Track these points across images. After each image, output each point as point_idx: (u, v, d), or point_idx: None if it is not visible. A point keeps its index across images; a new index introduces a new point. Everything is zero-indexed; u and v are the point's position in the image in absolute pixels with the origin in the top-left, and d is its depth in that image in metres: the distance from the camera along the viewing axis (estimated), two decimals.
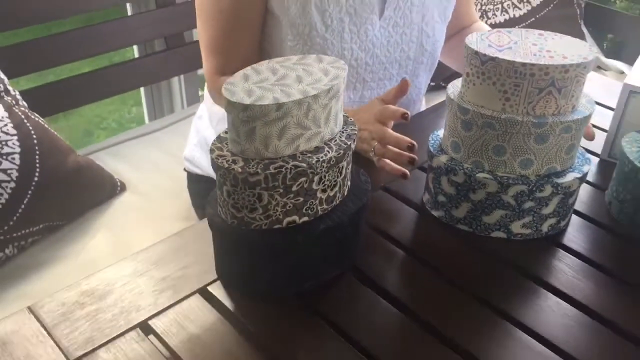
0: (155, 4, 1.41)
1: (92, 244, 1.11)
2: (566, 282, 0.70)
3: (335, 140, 0.64)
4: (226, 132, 0.64)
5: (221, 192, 0.63)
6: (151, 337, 0.63)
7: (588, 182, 0.86)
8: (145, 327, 0.64)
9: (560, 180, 0.71)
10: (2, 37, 1.17)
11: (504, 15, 1.64)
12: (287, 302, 0.66)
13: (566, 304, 0.67)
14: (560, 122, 0.67)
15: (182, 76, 1.59)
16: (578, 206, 0.81)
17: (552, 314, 0.66)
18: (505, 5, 1.64)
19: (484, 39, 0.70)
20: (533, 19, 1.63)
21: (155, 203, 1.20)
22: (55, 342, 0.61)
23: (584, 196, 0.83)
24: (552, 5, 1.63)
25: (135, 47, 1.57)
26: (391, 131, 0.80)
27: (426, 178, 0.79)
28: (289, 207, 0.62)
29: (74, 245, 1.10)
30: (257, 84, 0.61)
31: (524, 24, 1.63)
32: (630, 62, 1.65)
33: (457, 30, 1.12)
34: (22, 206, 1.03)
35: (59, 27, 1.35)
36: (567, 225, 0.77)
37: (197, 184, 1.14)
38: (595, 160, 0.91)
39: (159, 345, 0.62)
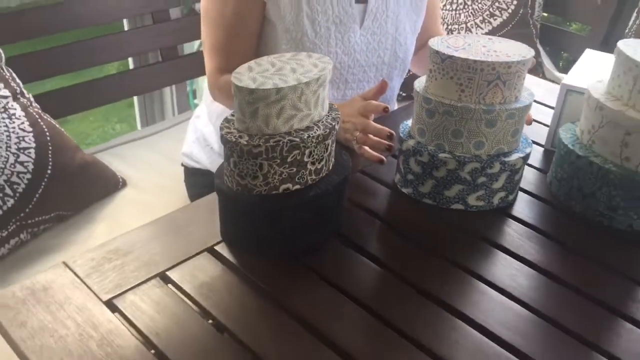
0: (152, 20, 1.54)
1: (97, 232, 1.22)
2: (513, 243, 0.84)
3: (323, 121, 0.78)
4: (233, 115, 0.77)
5: (228, 163, 0.76)
6: (169, 285, 0.75)
7: (534, 167, 1.01)
8: (163, 277, 0.76)
9: (507, 159, 0.85)
10: (11, 48, 1.29)
11: (468, 34, 1.81)
12: (282, 257, 0.79)
13: (512, 259, 0.81)
14: (506, 109, 0.82)
15: (173, 86, 1.72)
16: (525, 185, 0.96)
17: (502, 267, 0.80)
18: (468, 25, 1.81)
19: (443, 41, 0.85)
20: None
21: (154, 197, 1.32)
22: (88, 287, 0.73)
23: (530, 178, 0.98)
24: (510, 26, 1.80)
25: (130, 59, 1.70)
26: (373, 122, 0.94)
27: (397, 161, 0.93)
28: (285, 175, 0.75)
29: (81, 233, 1.21)
30: (259, 73, 0.74)
31: None
32: None
33: (424, 43, 1.27)
34: (37, 196, 1.15)
35: (61, 39, 1.46)
36: (514, 199, 0.92)
37: (194, 177, 1.27)
38: (540, 150, 1.06)
39: (175, 291, 0.74)
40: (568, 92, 0.99)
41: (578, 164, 0.87)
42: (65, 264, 0.77)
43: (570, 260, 0.82)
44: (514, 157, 0.86)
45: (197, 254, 0.80)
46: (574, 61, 1.96)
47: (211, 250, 0.80)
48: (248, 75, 0.74)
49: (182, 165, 1.31)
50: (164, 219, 0.86)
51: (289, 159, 0.74)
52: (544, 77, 1.84)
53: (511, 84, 0.82)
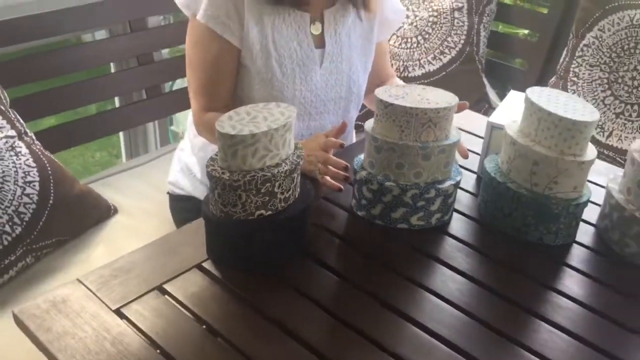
0: (137, 62, 1.72)
1: (94, 255, 1.38)
2: (448, 256, 1.03)
3: (289, 158, 0.96)
4: (216, 155, 0.95)
5: (213, 194, 0.94)
6: (166, 296, 0.92)
7: (467, 191, 1.20)
8: (161, 289, 0.93)
9: (441, 186, 1.04)
10: (10, 91, 1.45)
11: (421, 69, 2.02)
12: (259, 271, 0.97)
13: (448, 269, 1.00)
14: (438, 146, 1.02)
15: (156, 121, 1.89)
16: (459, 207, 1.15)
17: (440, 276, 0.98)
18: (422, 61, 2.02)
19: (386, 91, 1.04)
20: (444, 72, 2.01)
21: (142, 222, 1.48)
22: (99, 299, 0.90)
23: (464, 200, 1.17)
24: (458, 62, 2.01)
25: (116, 98, 1.86)
26: (333, 156, 1.13)
27: (353, 188, 1.12)
28: (259, 203, 0.93)
29: (78, 256, 1.37)
30: (238, 121, 0.93)
31: (437, 77, 2.01)
32: None
33: (377, 84, 1.47)
34: (40, 223, 1.30)
35: (56, 82, 1.63)
36: (450, 219, 1.11)
37: (179, 202, 1.44)
38: (474, 175, 1.26)
39: (171, 301, 0.91)
40: (493, 128, 1.19)
41: (498, 189, 1.07)
42: (79, 281, 0.93)
43: (494, 268, 1.01)
44: (447, 184, 1.05)
45: (188, 269, 0.97)
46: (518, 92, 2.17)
47: (199, 267, 0.97)
48: (229, 123, 0.92)
49: (168, 193, 1.47)
50: (159, 241, 1.03)
51: (262, 190, 0.92)
52: (490, 107, 2.06)
53: (441, 125, 1.02)
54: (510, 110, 1.24)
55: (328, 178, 1.12)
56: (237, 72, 1.26)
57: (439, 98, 1.03)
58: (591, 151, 1.02)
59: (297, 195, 0.99)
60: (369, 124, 1.07)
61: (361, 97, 1.39)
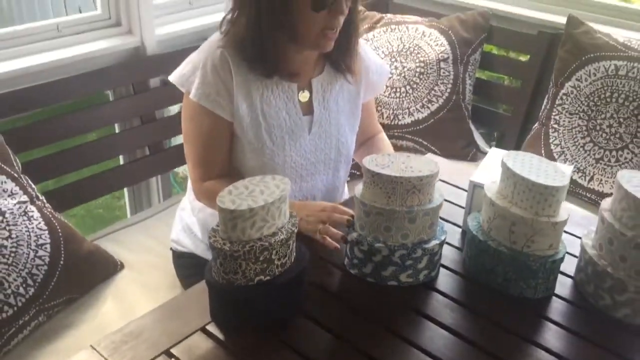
0: (140, 121, 1.81)
1: (103, 310, 1.45)
2: (435, 311, 1.10)
3: (285, 227, 1.04)
4: (217, 226, 1.03)
5: (215, 263, 1.02)
6: (173, 359, 0.99)
7: (453, 246, 1.28)
8: (168, 353, 1.00)
9: (427, 246, 1.13)
10: (22, 155, 1.54)
11: (410, 117, 2.12)
12: (259, 332, 1.04)
13: (434, 325, 1.07)
14: (422, 210, 1.10)
15: (159, 176, 1.98)
16: (446, 262, 1.23)
17: (427, 332, 1.06)
18: (411, 110, 2.12)
19: (373, 159, 1.13)
20: (432, 120, 2.11)
21: (148, 276, 1.56)
22: None
23: (450, 256, 1.25)
24: (446, 109, 2.11)
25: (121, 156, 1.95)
26: (334, 214, 1.21)
27: (345, 248, 1.20)
28: (258, 270, 1.01)
29: (88, 312, 1.44)
30: (236, 196, 1.01)
31: (426, 124, 2.11)
32: (509, 150, 2.13)
33: (365, 139, 1.55)
34: (52, 284, 1.38)
35: (59, 145, 1.72)
36: (437, 275, 1.19)
37: (181, 259, 1.51)
38: (459, 230, 1.34)
39: None
40: (475, 187, 1.27)
41: (480, 246, 1.15)
42: (93, 347, 1.01)
43: (478, 323, 1.09)
44: (432, 243, 1.13)
45: (193, 332, 1.04)
46: (503, 137, 2.27)
47: (204, 330, 1.05)
48: (228, 198, 1.01)
49: (171, 249, 1.55)
50: (166, 305, 1.11)
51: (260, 258, 1.00)
52: (478, 151, 2.15)
53: (424, 191, 1.10)
54: (490, 168, 1.32)
55: (328, 238, 1.19)
56: (231, 143, 1.35)
57: (422, 166, 1.12)
58: (564, 211, 1.10)
59: (292, 260, 1.07)
60: (358, 190, 1.16)
61: (350, 157, 1.47)
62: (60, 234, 1.43)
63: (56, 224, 1.43)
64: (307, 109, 1.37)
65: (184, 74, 1.30)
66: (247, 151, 1.33)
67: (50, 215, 1.44)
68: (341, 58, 1.35)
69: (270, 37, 1.24)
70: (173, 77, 1.33)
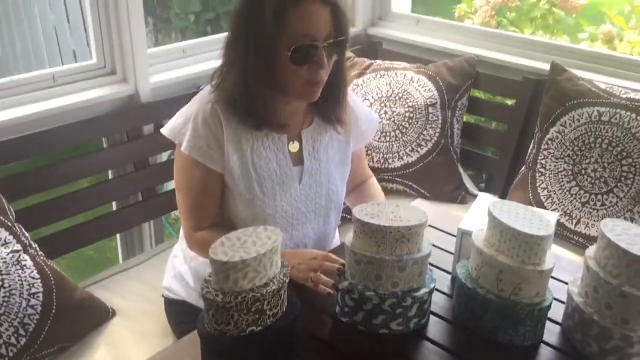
0: (134, 167, 1.83)
1: (95, 359, 1.45)
2: (427, 359, 1.11)
3: (277, 277, 1.06)
4: (210, 276, 1.05)
5: (207, 314, 1.03)
6: None
7: (443, 293, 1.30)
8: None
9: (416, 294, 1.14)
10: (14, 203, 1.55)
11: (400, 161, 2.16)
12: None
13: None
14: (411, 259, 1.12)
15: (151, 221, 1.99)
16: (436, 309, 1.24)
17: None
18: (400, 154, 2.16)
19: (363, 209, 1.15)
20: (422, 163, 2.15)
21: (140, 323, 1.56)
22: None
23: (440, 302, 1.27)
24: (435, 153, 2.15)
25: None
26: (325, 263, 1.23)
27: (336, 296, 1.21)
28: (250, 321, 1.02)
29: None
30: (229, 247, 1.03)
31: (415, 167, 2.14)
32: (497, 192, 2.17)
33: (356, 185, 1.58)
34: (44, 333, 1.38)
35: (53, 192, 1.74)
36: (427, 322, 1.20)
37: (174, 306, 1.52)
38: (448, 276, 1.36)
39: None
40: (463, 234, 1.30)
41: (469, 294, 1.17)
42: None
43: None
44: (422, 292, 1.15)
45: None
46: (492, 179, 2.30)
47: None
48: (221, 249, 1.02)
49: (163, 296, 1.56)
50: (158, 355, 1.11)
51: (252, 309, 1.02)
52: (467, 193, 2.18)
53: (413, 240, 1.13)
54: (479, 214, 1.35)
55: (321, 285, 1.20)
56: (223, 193, 1.37)
57: (411, 215, 1.14)
58: (550, 259, 1.12)
59: (284, 309, 1.09)
60: (348, 239, 1.18)
61: (340, 204, 1.50)
62: (53, 282, 1.43)
63: (48, 272, 1.44)
64: (297, 159, 1.39)
65: (176, 127, 1.33)
66: (239, 202, 1.35)
67: (43, 263, 1.45)
68: (330, 109, 1.38)
69: (258, 91, 1.27)
70: (165, 130, 1.36)
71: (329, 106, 1.37)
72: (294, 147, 1.38)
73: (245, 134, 1.33)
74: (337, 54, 1.29)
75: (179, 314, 1.49)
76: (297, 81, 1.26)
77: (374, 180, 1.62)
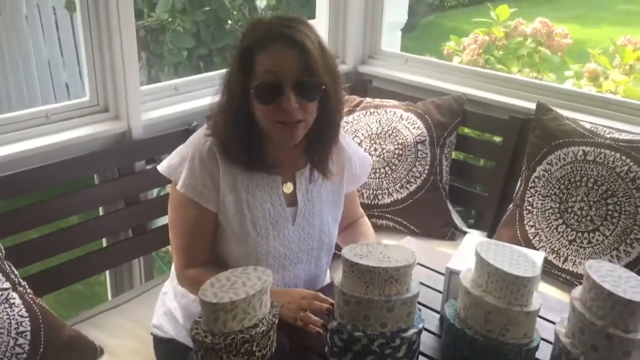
0: (125, 203, 1.84)
1: None
2: None
3: (266, 318, 1.07)
4: (199, 317, 1.05)
5: (196, 356, 1.03)
6: None
7: (432, 333, 1.31)
8: None
9: (405, 334, 1.15)
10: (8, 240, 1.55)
11: (390, 198, 2.18)
12: None
13: None
14: (399, 299, 1.13)
15: (141, 258, 1.99)
16: (425, 349, 1.24)
17: None
18: (390, 190, 2.18)
19: (352, 249, 1.17)
20: (411, 200, 2.17)
21: None
22: None
23: (429, 343, 1.27)
24: (424, 190, 2.17)
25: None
26: (314, 302, 1.24)
27: (326, 336, 1.22)
28: None
29: None
30: (219, 288, 1.04)
31: (405, 204, 2.16)
32: (486, 229, 2.19)
33: (348, 223, 1.60)
34: None
35: (43, 229, 1.74)
36: None
37: (163, 345, 1.51)
38: (437, 315, 1.36)
39: None
40: (451, 273, 1.31)
41: (457, 334, 1.18)
42: None
43: None
44: (410, 332, 1.16)
45: None
46: (480, 216, 2.33)
47: None
48: (211, 290, 1.03)
49: (152, 334, 1.55)
50: None
51: (242, 350, 1.02)
52: (456, 230, 2.20)
53: (402, 280, 1.14)
54: (467, 253, 1.36)
55: (310, 325, 1.21)
56: (216, 232, 1.38)
57: (399, 256, 1.16)
58: (536, 300, 1.14)
59: (273, 350, 1.09)
60: (338, 279, 1.19)
61: (332, 246, 1.51)
62: (41, 321, 1.43)
63: (37, 310, 1.44)
64: (291, 200, 1.41)
65: (172, 165, 1.35)
66: (232, 241, 1.36)
67: (32, 301, 1.45)
68: (316, 153, 1.39)
69: (245, 132, 1.30)
70: (161, 168, 1.37)
71: (316, 150, 1.38)
72: (288, 188, 1.40)
73: (241, 174, 1.35)
74: (312, 97, 1.28)
75: (168, 353, 1.49)
76: (268, 121, 1.28)
77: (365, 219, 1.64)
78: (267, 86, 1.25)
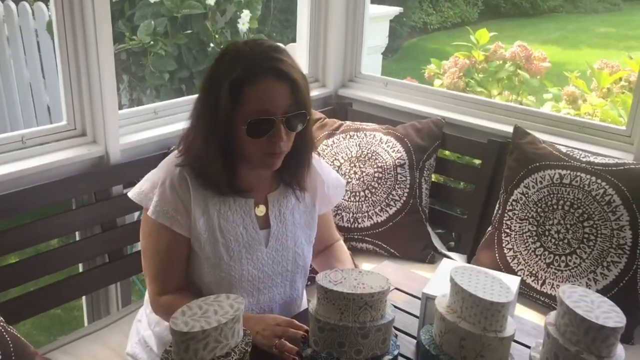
0: (101, 228, 1.82)
1: None
2: None
3: (238, 346, 1.05)
4: (170, 346, 1.04)
5: None
6: None
7: (409, 359, 1.30)
8: None
9: None
10: None
11: (369, 221, 2.18)
12: None
13: None
14: (374, 326, 1.13)
15: (118, 283, 1.97)
16: None
17: None
18: (370, 213, 2.18)
19: (326, 276, 1.16)
20: (391, 223, 2.17)
21: None
22: None
23: None
24: (404, 213, 2.17)
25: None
26: (289, 330, 1.22)
27: None
28: None
29: None
30: (190, 317, 1.02)
31: (384, 227, 2.16)
32: (465, 252, 2.19)
33: (324, 247, 1.59)
34: None
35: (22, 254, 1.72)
36: None
37: None
38: (413, 340, 1.36)
39: None
40: (427, 299, 1.31)
41: None
42: None
43: None
44: (385, 359, 1.15)
45: None
46: (460, 239, 2.33)
47: None
48: (182, 319, 1.02)
49: None
50: None
51: None
52: (436, 252, 2.20)
53: (376, 307, 1.13)
54: (443, 279, 1.36)
55: (286, 353, 1.19)
56: (189, 257, 1.37)
57: (374, 282, 1.15)
58: (511, 326, 1.14)
59: None
60: (312, 306, 1.18)
61: (307, 268, 1.50)
62: (12, 350, 1.39)
63: (8, 339, 1.40)
64: (264, 223, 1.41)
65: (142, 191, 1.34)
66: (205, 265, 1.35)
67: (3, 330, 1.41)
68: (292, 176, 1.40)
69: (220, 159, 1.29)
70: (132, 194, 1.36)
71: (292, 173, 1.39)
72: (261, 210, 1.40)
73: (213, 198, 1.34)
74: (298, 128, 1.31)
75: None
76: (256, 152, 1.29)
77: (341, 243, 1.63)
78: (260, 122, 1.25)
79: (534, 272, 1.87)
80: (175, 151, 1.36)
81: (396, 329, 1.30)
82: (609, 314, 1.08)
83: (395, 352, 1.17)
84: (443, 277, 1.38)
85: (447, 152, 2.41)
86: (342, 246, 1.61)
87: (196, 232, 1.33)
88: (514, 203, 1.95)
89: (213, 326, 1.00)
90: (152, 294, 1.37)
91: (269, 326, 1.25)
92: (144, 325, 1.49)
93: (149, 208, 1.32)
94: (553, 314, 1.17)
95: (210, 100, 1.28)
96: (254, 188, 1.38)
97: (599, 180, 1.81)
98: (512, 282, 1.32)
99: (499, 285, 1.16)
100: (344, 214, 2.19)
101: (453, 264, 1.45)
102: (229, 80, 1.24)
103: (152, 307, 1.39)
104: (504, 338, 1.11)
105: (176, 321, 1.01)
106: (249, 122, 1.25)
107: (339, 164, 2.23)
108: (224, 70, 1.27)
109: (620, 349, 1.09)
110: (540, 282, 1.86)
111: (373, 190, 2.18)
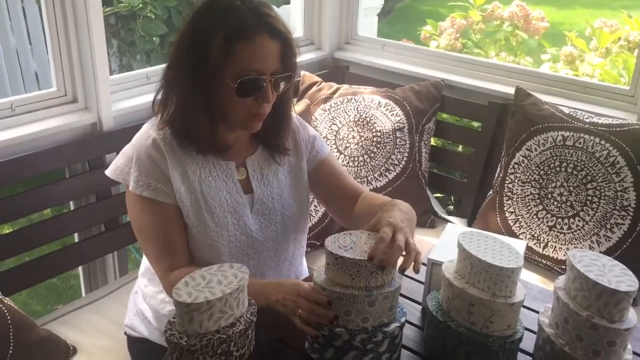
0: (96, 198, 1.78)
1: None
2: None
3: (244, 316, 1.03)
4: (174, 318, 1.01)
5: (172, 358, 0.99)
6: None
7: (414, 325, 1.28)
8: None
9: (387, 329, 1.12)
10: None
11: (369, 186, 2.14)
12: None
13: None
14: (381, 293, 1.10)
15: (115, 252, 1.93)
16: (407, 342, 1.22)
17: None
18: (369, 178, 2.15)
19: (335, 241, 1.13)
20: (391, 188, 2.14)
21: None
22: None
23: (411, 335, 1.25)
24: (403, 177, 2.15)
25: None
26: (316, 307, 1.10)
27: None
28: None
29: None
30: (193, 287, 0.99)
31: (384, 192, 2.13)
32: (466, 216, 2.18)
33: (352, 202, 1.43)
34: None
35: (16, 224, 1.68)
36: (398, 357, 1.18)
37: (137, 345, 1.46)
38: (419, 307, 1.34)
39: None
40: (433, 265, 1.28)
41: (440, 326, 1.15)
42: None
43: None
44: (392, 326, 1.13)
45: None
46: (460, 202, 2.31)
47: None
48: (185, 290, 0.99)
49: (125, 334, 1.50)
50: None
51: (219, 351, 0.98)
52: (436, 216, 2.18)
53: (387, 271, 1.11)
54: (448, 244, 1.33)
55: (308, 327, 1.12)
56: (186, 226, 1.31)
57: None
58: (520, 292, 1.12)
59: (252, 349, 1.05)
60: (317, 274, 1.15)
61: (301, 229, 1.44)
62: (10, 321, 1.37)
63: (5, 311, 1.38)
64: (247, 187, 1.36)
65: (118, 167, 1.30)
66: (192, 234, 1.30)
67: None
68: (272, 138, 1.36)
69: (198, 118, 1.24)
70: (109, 172, 1.32)
71: (272, 135, 1.35)
72: (241, 174, 1.35)
73: (192, 164, 1.29)
74: (283, 89, 1.27)
75: (142, 353, 1.44)
76: (242, 112, 1.25)
77: (369, 194, 1.47)
78: (250, 81, 1.21)
79: (536, 235, 1.85)
80: (147, 123, 1.31)
81: (401, 295, 1.28)
82: (621, 278, 1.06)
83: (403, 320, 1.15)
84: (449, 242, 1.35)
85: (444, 115, 2.37)
86: (371, 193, 1.48)
87: (180, 200, 1.28)
88: (515, 166, 1.92)
89: (217, 297, 0.97)
90: (162, 274, 1.30)
91: (289, 295, 1.16)
92: (140, 298, 1.46)
93: (130, 184, 1.27)
94: (562, 278, 1.15)
95: (197, 54, 1.20)
96: (231, 148, 1.32)
97: (602, 142, 1.79)
98: (519, 247, 1.30)
99: (508, 250, 1.13)
100: None
101: (458, 229, 1.42)
102: (222, 34, 1.18)
103: (164, 288, 1.33)
104: (513, 304, 1.09)
105: (179, 292, 0.98)
106: (240, 81, 1.20)
107: (337, 129, 2.19)
108: (214, 24, 1.20)
109: (632, 313, 1.08)
110: (542, 245, 1.84)
111: (372, 155, 2.15)
